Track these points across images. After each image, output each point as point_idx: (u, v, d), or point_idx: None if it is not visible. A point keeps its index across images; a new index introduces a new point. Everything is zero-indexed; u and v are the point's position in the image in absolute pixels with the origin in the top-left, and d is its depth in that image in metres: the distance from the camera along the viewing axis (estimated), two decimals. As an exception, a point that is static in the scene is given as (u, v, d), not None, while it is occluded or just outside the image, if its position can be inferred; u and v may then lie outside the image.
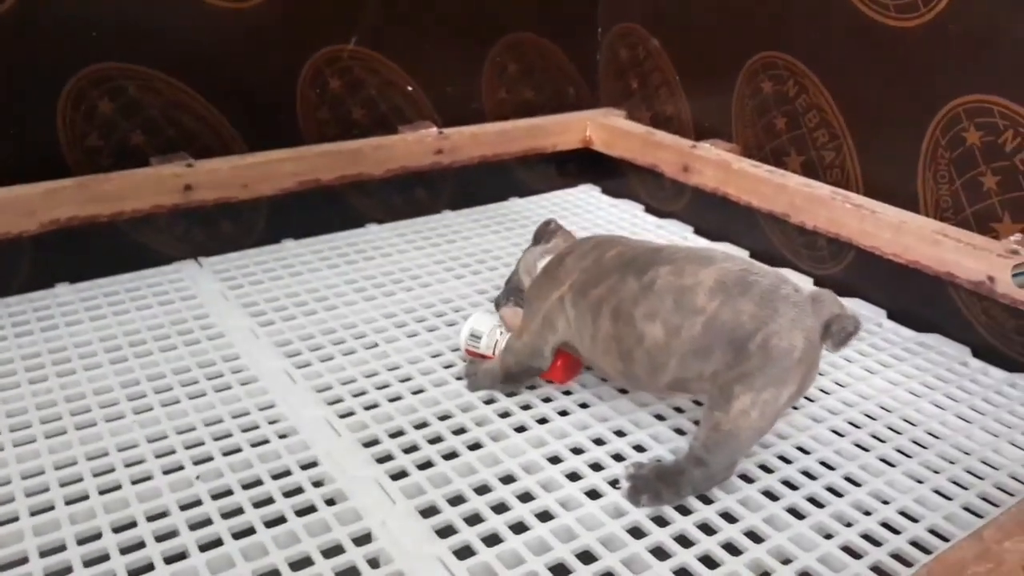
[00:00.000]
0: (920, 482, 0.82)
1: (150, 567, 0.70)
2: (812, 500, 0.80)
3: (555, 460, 0.84)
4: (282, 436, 0.87)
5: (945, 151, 1.05)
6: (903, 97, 1.10)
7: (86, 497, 0.78)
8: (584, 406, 0.93)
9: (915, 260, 1.05)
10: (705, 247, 0.84)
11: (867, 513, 0.78)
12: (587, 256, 0.87)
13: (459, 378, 0.97)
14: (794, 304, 0.75)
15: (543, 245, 0.95)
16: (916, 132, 1.08)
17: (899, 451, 0.87)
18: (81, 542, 0.72)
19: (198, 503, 0.77)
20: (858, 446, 0.88)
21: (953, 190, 1.06)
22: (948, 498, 0.80)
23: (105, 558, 0.71)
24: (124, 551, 0.71)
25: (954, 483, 0.82)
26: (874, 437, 0.89)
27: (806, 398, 0.95)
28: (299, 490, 0.79)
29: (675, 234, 1.39)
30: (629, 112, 1.56)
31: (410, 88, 1.40)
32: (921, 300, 1.11)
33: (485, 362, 0.95)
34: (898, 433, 0.90)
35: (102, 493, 0.78)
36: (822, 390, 0.97)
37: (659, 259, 0.81)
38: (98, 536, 0.73)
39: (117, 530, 0.74)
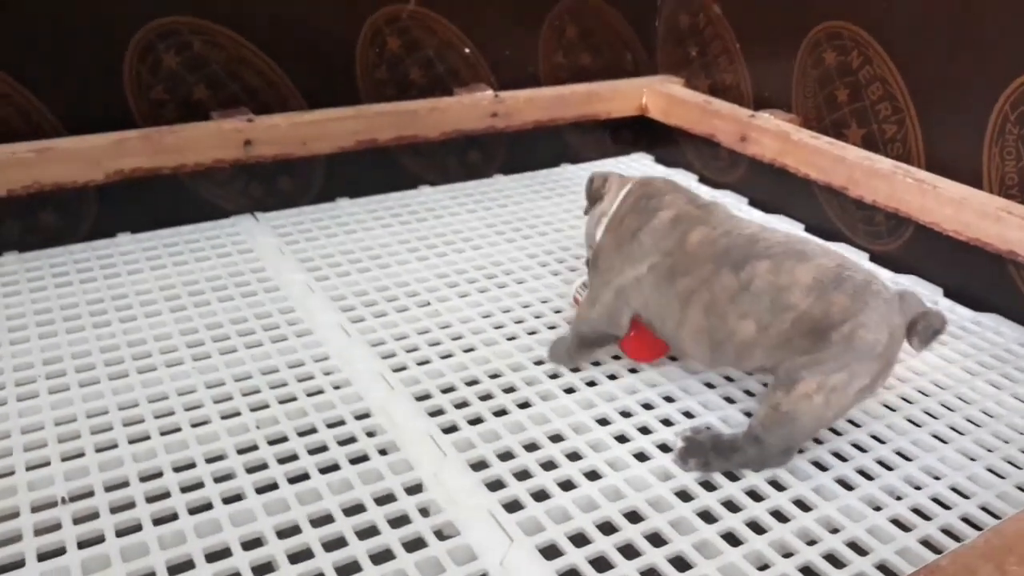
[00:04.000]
0: (973, 460, 0.82)
1: (208, 506, 0.72)
2: (862, 472, 0.79)
3: (603, 422, 0.85)
4: (336, 387, 0.88)
5: (1014, 126, 1.03)
6: (971, 70, 1.07)
7: (148, 437, 0.80)
8: (633, 371, 0.93)
9: (976, 237, 1.03)
10: (798, 236, 0.83)
11: (917, 488, 0.78)
12: (668, 236, 0.85)
13: (510, 339, 0.98)
14: (885, 300, 0.75)
15: (599, 207, 0.95)
16: (984, 106, 1.06)
17: (952, 428, 0.86)
18: (143, 479, 0.75)
19: (255, 447, 0.79)
20: (910, 421, 0.87)
21: (1020, 166, 1.03)
22: (1001, 476, 0.80)
23: (166, 495, 0.73)
24: (184, 490, 0.74)
25: (1008, 462, 0.81)
26: (927, 413, 0.88)
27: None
28: (353, 439, 0.81)
29: (730, 206, 1.38)
30: (687, 80, 1.54)
31: (467, 50, 1.40)
32: (980, 279, 1.09)
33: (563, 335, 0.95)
34: (951, 411, 0.89)
35: (163, 434, 0.81)
36: (875, 365, 0.96)
37: (756, 252, 0.79)
38: (159, 475, 0.76)
39: (178, 470, 0.76)
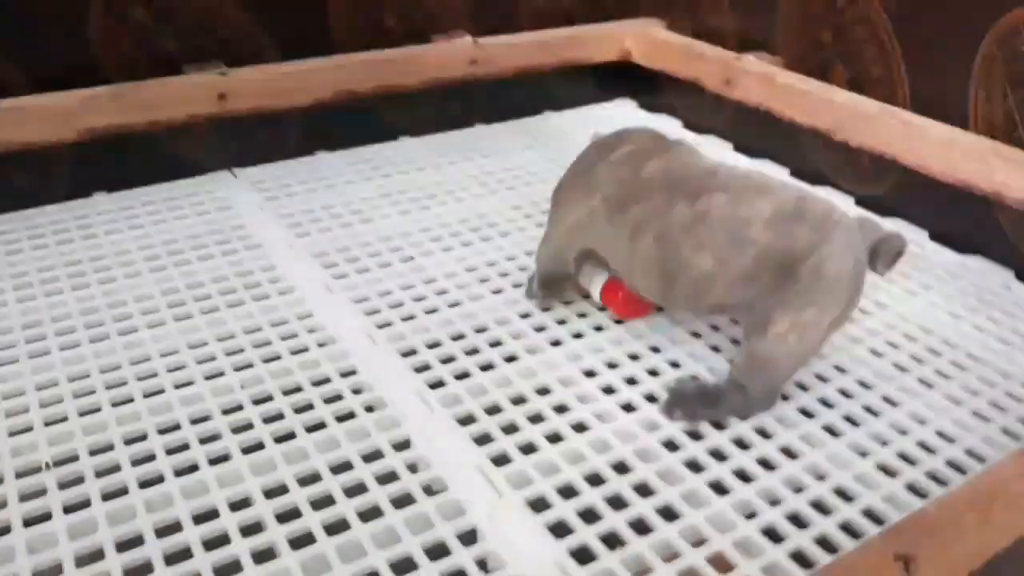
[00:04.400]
0: (958, 404, 0.82)
1: (195, 467, 0.72)
2: (848, 419, 0.80)
3: (590, 374, 0.85)
4: (321, 345, 0.88)
5: (1001, 65, 1.01)
6: (957, 8, 1.05)
7: (131, 400, 0.80)
8: (619, 322, 0.93)
9: (962, 179, 1.03)
10: (757, 171, 0.82)
11: (903, 433, 0.78)
12: (622, 166, 0.83)
13: (496, 292, 0.98)
14: (847, 228, 0.75)
15: None
16: (970, 46, 1.04)
17: (938, 372, 0.86)
18: (128, 442, 0.74)
19: (240, 408, 0.79)
20: (896, 367, 0.87)
21: (1007, 107, 1.02)
22: (986, 420, 0.80)
23: (151, 458, 0.73)
24: (169, 452, 0.73)
25: (993, 406, 0.82)
26: (913, 358, 0.89)
27: (844, 318, 0.94)
28: (339, 397, 0.80)
29: (714, 150, 1.36)
30: (670, 22, 1.51)
31: (445, -4, 1.36)
32: (966, 222, 1.09)
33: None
34: (937, 355, 0.89)
35: (146, 396, 0.80)
36: (862, 310, 0.96)
37: (713, 184, 0.78)
38: (144, 437, 0.75)
39: (162, 431, 0.76)
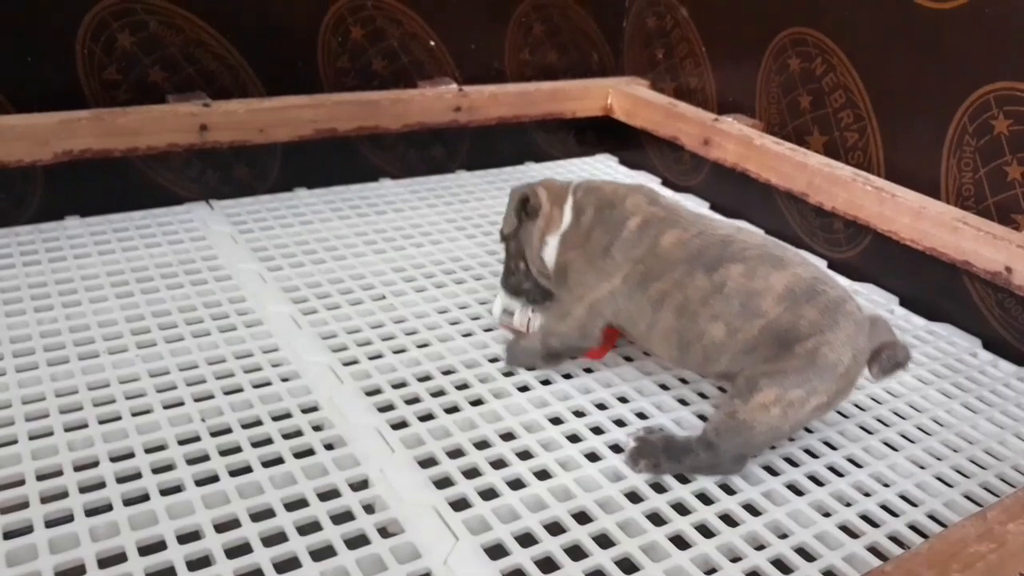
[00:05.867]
0: (922, 468, 0.82)
1: (145, 497, 0.70)
2: (812, 478, 0.79)
3: (556, 421, 0.84)
4: (284, 379, 0.86)
5: (972, 138, 1.04)
6: (933, 81, 1.08)
7: (85, 425, 0.78)
8: (588, 371, 0.92)
9: (932, 247, 1.04)
10: (775, 241, 0.83)
11: (867, 494, 0.78)
12: (638, 244, 0.82)
13: (465, 335, 0.97)
14: (855, 322, 0.75)
15: (534, 224, 0.89)
16: (943, 117, 1.06)
17: (903, 436, 0.86)
18: (78, 468, 0.72)
19: (196, 439, 0.77)
20: (862, 428, 0.87)
21: (976, 178, 1.04)
22: (950, 485, 0.80)
23: (101, 485, 0.71)
24: (120, 480, 0.72)
25: (956, 471, 0.82)
26: (879, 421, 0.88)
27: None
28: (298, 433, 0.79)
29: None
30: (653, 82, 1.54)
31: (432, 43, 1.38)
32: (935, 289, 1.10)
33: (523, 338, 0.93)
34: (903, 419, 0.89)
35: (102, 423, 0.78)
36: (829, 371, 0.96)
37: (729, 255, 0.78)
38: (95, 464, 0.73)
39: (115, 459, 0.74)
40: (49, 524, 0.66)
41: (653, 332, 0.82)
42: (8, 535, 0.65)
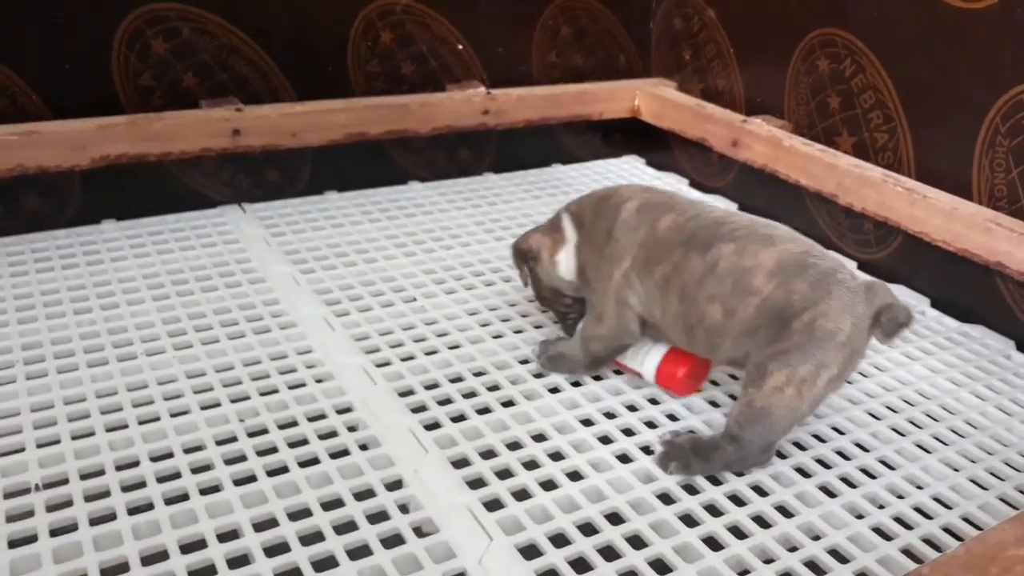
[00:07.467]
0: (956, 470, 0.81)
1: (185, 497, 0.71)
2: (845, 480, 0.79)
3: (587, 423, 0.85)
4: (319, 381, 0.87)
5: (1004, 139, 1.03)
6: (964, 81, 1.07)
7: (125, 426, 0.79)
8: (618, 372, 0.92)
9: (964, 248, 1.03)
10: (765, 221, 0.83)
11: (900, 497, 0.78)
12: (638, 226, 0.84)
13: (496, 337, 0.98)
14: (848, 289, 0.75)
15: (539, 265, 0.93)
16: (975, 118, 1.06)
17: (936, 438, 0.86)
18: (119, 468, 0.74)
19: (234, 439, 0.78)
20: (894, 430, 0.87)
21: (1009, 179, 1.03)
22: (984, 488, 0.79)
23: (142, 485, 0.72)
24: (160, 480, 0.73)
25: (991, 474, 0.81)
26: (911, 423, 0.88)
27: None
28: (333, 433, 0.80)
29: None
30: (680, 84, 1.53)
31: (460, 47, 1.39)
32: (967, 290, 1.09)
33: (562, 344, 0.92)
34: (936, 421, 0.89)
35: (141, 423, 0.80)
36: (861, 373, 0.96)
37: (721, 235, 0.79)
38: (136, 464, 0.75)
39: (155, 459, 0.75)
40: (93, 522, 0.68)
41: (666, 319, 0.82)
42: (54, 532, 0.67)
